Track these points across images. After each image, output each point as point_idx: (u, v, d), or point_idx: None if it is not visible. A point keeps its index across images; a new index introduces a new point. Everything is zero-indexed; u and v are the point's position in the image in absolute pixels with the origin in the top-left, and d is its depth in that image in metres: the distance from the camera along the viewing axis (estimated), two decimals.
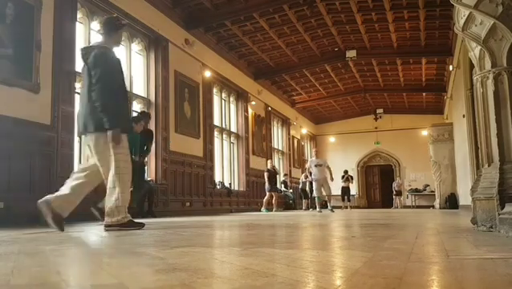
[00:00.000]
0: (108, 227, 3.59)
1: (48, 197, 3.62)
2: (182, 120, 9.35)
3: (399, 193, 18.05)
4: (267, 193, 11.88)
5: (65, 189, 3.66)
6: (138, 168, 5.85)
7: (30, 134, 5.55)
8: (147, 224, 5.05)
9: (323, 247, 2.35)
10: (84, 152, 3.97)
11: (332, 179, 10.85)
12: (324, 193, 10.69)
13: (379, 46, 12.28)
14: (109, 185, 3.61)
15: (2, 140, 5.18)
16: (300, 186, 14.43)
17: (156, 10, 8.71)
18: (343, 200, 16.10)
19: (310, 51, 12.67)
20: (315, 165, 10.65)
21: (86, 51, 3.71)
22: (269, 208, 11.74)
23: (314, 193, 10.70)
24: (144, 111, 7.44)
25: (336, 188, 16.57)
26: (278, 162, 16.20)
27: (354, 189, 19.89)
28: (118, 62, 3.74)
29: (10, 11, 5.46)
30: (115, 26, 3.82)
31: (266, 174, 11.99)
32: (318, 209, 10.72)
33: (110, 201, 3.59)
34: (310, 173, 10.76)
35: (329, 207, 10.79)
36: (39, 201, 3.61)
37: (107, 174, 3.61)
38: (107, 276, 1.47)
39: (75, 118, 4.24)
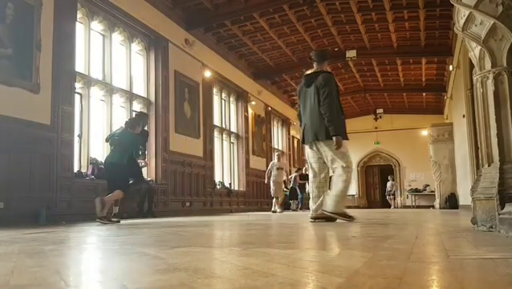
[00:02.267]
0: (326, 213, 4.42)
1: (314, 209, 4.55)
2: (182, 120, 9.35)
3: (392, 194, 18.03)
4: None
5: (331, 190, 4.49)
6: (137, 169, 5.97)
7: (30, 134, 5.56)
8: (146, 224, 5.06)
9: (323, 247, 2.35)
10: (309, 158, 4.67)
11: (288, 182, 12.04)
12: (279, 196, 11.04)
13: (379, 46, 12.28)
14: (334, 181, 4.40)
15: (2, 140, 5.18)
16: (291, 185, 14.06)
17: (156, 10, 8.72)
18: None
19: (310, 51, 12.61)
20: (277, 168, 10.94)
21: (312, 75, 4.60)
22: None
23: (272, 194, 10.93)
24: (142, 112, 7.42)
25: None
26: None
27: (354, 188, 19.90)
28: (336, 83, 4.67)
29: (10, 11, 5.46)
30: (326, 57, 4.87)
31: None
32: (273, 209, 10.85)
33: (331, 195, 4.40)
34: (270, 174, 11.01)
35: (276, 208, 10.90)
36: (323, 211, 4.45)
37: (340, 169, 4.40)
38: (107, 276, 1.47)
39: (302, 130, 4.65)
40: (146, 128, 6.67)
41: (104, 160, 5.78)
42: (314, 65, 4.72)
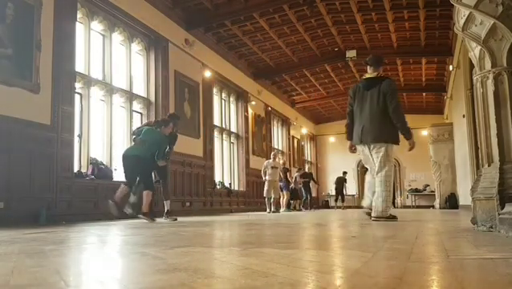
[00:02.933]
0: (376, 219, 4.58)
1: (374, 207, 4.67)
2: (182, 119, 9.32)
3: None
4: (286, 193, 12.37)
5: (375, 193, 4.67)
6: (157, 169, 5.95)
7: (30, 134, 5.55)
8: (146, 224, 5.06)
9: (322, 247, 2.35)
10: (369, 156, 4.81)
11: (285, 180, 12.12)
12: (273, 195, 10.98)
13: (379, 46, 12.26)
14: (377, 185, 4.62)
15: (2, 140, 5.18)
16: (291, 186, 13.94)
17: (156, 10, 8.71)
18: (337, 200, 16.38)
19: (310, 51, 12.67)
20: (271, 167, 10.96)
21: (374, 80, 4.80)
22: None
23: (265, 194, 10.92)
24: (173, 114, 7.01)
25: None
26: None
27: (354, 189, 19.89)
28: None
29: (10, 11, 5.46)
30: (382, 62, 5.08)
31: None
32: (268, 210, 10.81)
33: (378, 200, 4.60)
34: (265, 174, 11.03)
35: (272, 209, 10.89)
36: (373, 218, 4.64)
37: (384, 173, 4.60)
38: (107, 276, 1.47)
39: (357, 130, 4.81)
40: (175, 131, 6.49)
41: (123, 154, 5.71)
42: (370, 69, 4.94)
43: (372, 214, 4.69)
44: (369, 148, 4.73)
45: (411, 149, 4.74)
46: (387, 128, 4.63)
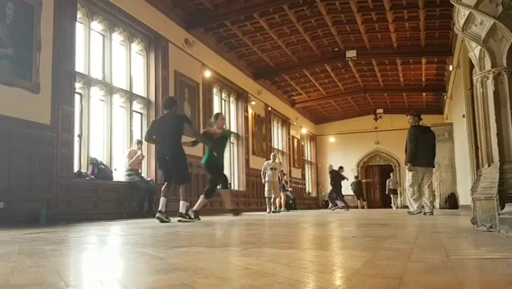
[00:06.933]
0: (431, 213, 6.72)
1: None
2: None
3: (394, 192, 17.22)
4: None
5: (428, 197, 6.95)
6: None
7: (30, 134, 5.55)
8: (147, 224, 5.06)
9: (323, 247, 2.35)
10: (421, 174, 6.96)
11: (282, 182, 12.23)
12: (273, 196, 11.00)
13: (379, 46, 12.27)
14: (428, 192, 6.92)
15: (2, 140, 5.18)
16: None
17: (156, 10, 8.71)
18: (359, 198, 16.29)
19: (310, 51, 12.67)
20: (271, 168, 11.00)
21: (427, 128, 7.35)
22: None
23: (265, 194, 10.96)
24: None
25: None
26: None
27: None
28: None
29: (10, 11, 5.46)
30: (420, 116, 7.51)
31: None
32: (268, 210, 10.83)
33: (432, 202, 7.04)
34: (264, 175, 11.04)
35: (272, 209, 10.90)
36: (428, 213, 6.85)
37: (432, 186, 7.11)
38: (107, 276, 1.47)
39: (425, 158, 6.99)
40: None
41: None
42: (416, 119, 7.19)
43: (427, 211, 6.75)
44: (424, 170, 6.89)
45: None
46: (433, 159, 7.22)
